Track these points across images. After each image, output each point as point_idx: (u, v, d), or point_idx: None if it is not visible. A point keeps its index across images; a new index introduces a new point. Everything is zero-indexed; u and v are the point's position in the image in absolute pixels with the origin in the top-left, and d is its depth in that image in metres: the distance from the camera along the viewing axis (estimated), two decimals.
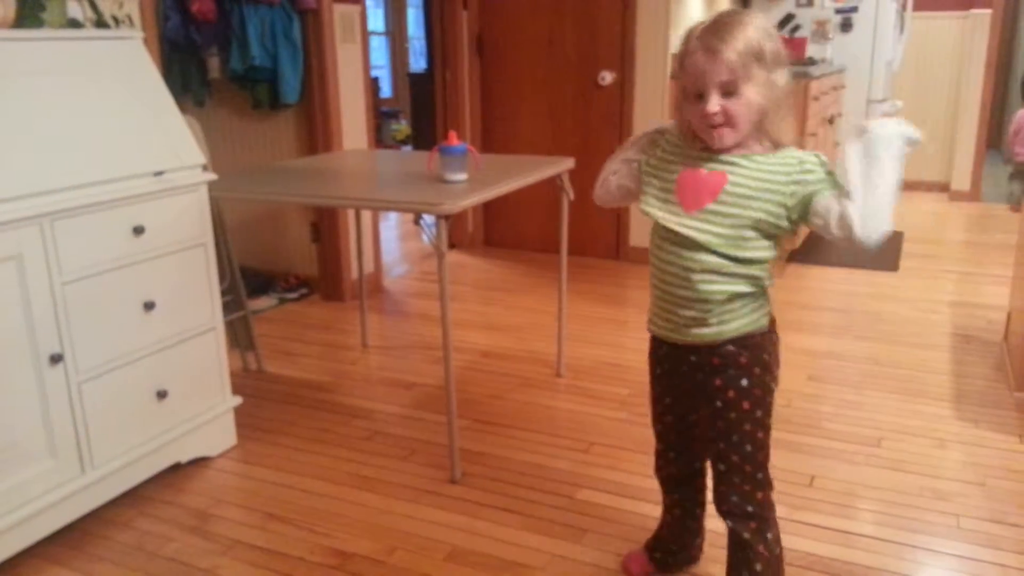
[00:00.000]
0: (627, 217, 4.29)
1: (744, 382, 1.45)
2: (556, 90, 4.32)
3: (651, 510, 2.01)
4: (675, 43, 4.05)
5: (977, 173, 5.69)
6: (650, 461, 2.25)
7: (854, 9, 5.03)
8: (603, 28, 4.13)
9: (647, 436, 2.38)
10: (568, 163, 2.64)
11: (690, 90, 1.35)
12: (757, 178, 1.36)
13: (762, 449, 1.48)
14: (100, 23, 2.29)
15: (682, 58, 1.36)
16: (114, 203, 1.93)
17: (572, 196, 2.66)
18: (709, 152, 1.39)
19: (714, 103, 1.32)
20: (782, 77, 1.36)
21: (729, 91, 1.32)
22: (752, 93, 1.32)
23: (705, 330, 1.44)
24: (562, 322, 2.84)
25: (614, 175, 1.58)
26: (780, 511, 1.98)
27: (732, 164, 1.38)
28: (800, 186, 1.35)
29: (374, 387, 2.82)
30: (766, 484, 1.50)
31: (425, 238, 4.88)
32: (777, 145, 1.38)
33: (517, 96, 4.43)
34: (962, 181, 5.73)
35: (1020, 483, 2.12)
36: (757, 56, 1.31)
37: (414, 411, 2.61)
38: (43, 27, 2.12)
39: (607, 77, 4.15)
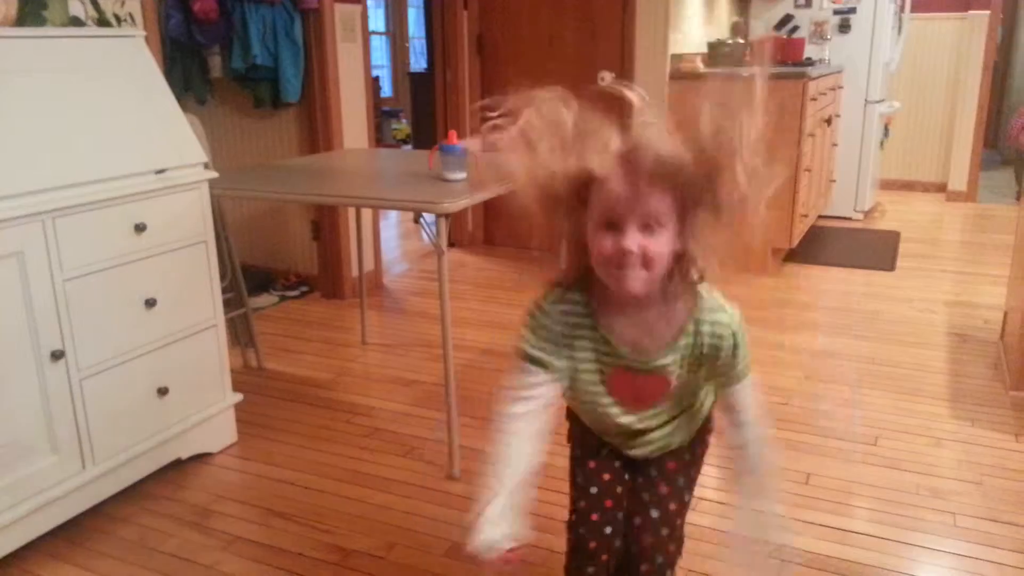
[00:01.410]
0: None
1: (696, 451, 1.37)
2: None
3: None
4: (675, 44, 4.07)
5: (974, 174, 5.71)
6: None
7: (852, 10, 5.05)
8: (603, 29, 4.14)
9: None
10: None
11: (598, 219, 1.08)
12: (692, 352, 1.18)
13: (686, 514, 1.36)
14: (102, 21, 2.30)
15: (589, 175, 1.07)
16: (116, 201, 1.94)
17: None
18: (636, 354, 1.18)
19: (632, 240, 1.06)
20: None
21: (649, 227, 1.06)
22: (673, 232, 1.08)
23: (663, 449, 1.34)
24: None
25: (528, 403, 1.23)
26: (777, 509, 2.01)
27: (664, 359, 1.18)
28: (721, 350, 1.18)
29: (374, 384, 2.83)
30: (682, 543, 1.36)
31: (425, 236, 4.89)
32: (690, 285, 1.15)
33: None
34: (959, 181, 5.74)
35: (1016, 481, 2.13)
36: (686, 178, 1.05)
37: (414, 408, 2.62)
38: (45, 25, 2.13)
39: (607, 77, 4.16)
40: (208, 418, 2.28)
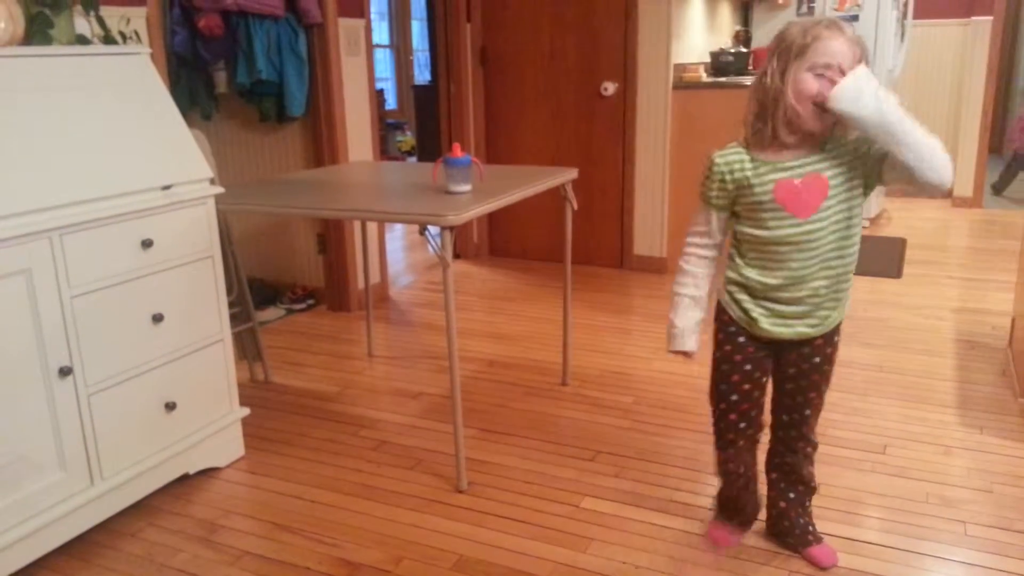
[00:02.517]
0: (631, 226, 4.30)
1: (836, 338, 1.72)
2: (559, 101, 4.34)
3: (657, 518, 2.02)
4: (676, 54, 4.08)
5: (980, 179, 5.69)
6: (657, 468, 2.26)
7: (855, 17, 5.05)
8: (605, 39, 4.15)
9: (652, 444, 2.40)
10: (571, 173, 2.65)
11: (810, 66, 1.48)
12: (842, 153, 1.56)
13: None
14: (108, 39, 2.31)
15: (804, 38, 1.48)
16: (122, 217, 1.95)
17: (576, 206, 2.68)
18: (789, 157, 1.55)
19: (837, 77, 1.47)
20: None
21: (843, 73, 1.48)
22: None
23: (824, 313, 1.65)
24: (567, 331, 2.86)
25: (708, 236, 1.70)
26: None
27: (819, 162, 1.55)
28: (863, 143, 1.55)
29: (380, 397, 2.83)
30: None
31: (430, 248, 4.90)
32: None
33: (520, 107, 4.46)
34: (964, 187, 5.73)
35: None
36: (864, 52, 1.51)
37: (420, 421, 2.62)
38: (52, 44, 2.15)
39: (609, 88, 4.17)
40: (215, 432, 2.28)
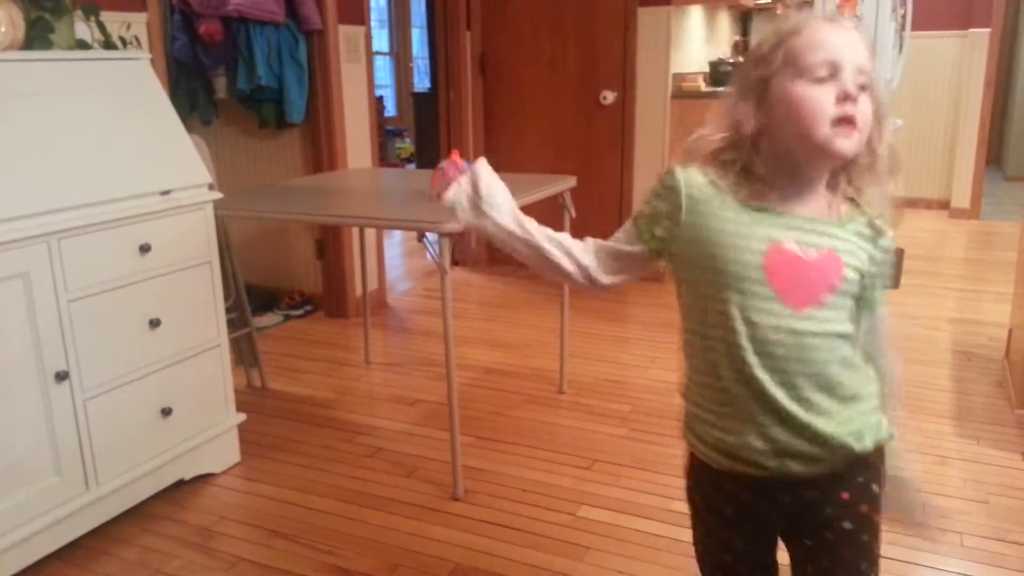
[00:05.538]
0: None
1: (875, 487, 1.06)
2: (558, 109, 4.35)
3: (653, 527, 2.01)
4: (675, 63, 4.10)
5: (977, 191, 5.71)
6: (654, 477, 2.26)
7: None
8: (604, 48, 4.17)
9: (649, 453, 2.40)
10: (570, 181, 2.66)
11: (809, 72, 0.96)
12: (859, 245, 1.04)
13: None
14: (108, 44, 2.31)
15: (782, 40, 0.99)
16: (121, 222, 1.95)
17: (574, 214, 2.68)
18: (798, 208, 1.01)
19: (853, 86, 0.95)
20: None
21: (862, 85, 0.97)
22: (869, 101, 0.99)
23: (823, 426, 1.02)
24: (564, 339, 2.86)
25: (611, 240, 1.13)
26: None
27: (837, 238, 1.01)
28: (878, 270, 1.08)
29: (377, 404, 2.82)
30: None
31: (429, 255, 4.90)
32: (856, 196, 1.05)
33: (519, 115, 4.47)
34: (962, 198, 5.75)
35: (1022, 501, 2.12)
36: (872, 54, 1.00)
37: (417, 428, 2.62)
38: (52, 48, 2.15)
39: (608, 96, 4.19)
40: (211, 438, 2.28)
